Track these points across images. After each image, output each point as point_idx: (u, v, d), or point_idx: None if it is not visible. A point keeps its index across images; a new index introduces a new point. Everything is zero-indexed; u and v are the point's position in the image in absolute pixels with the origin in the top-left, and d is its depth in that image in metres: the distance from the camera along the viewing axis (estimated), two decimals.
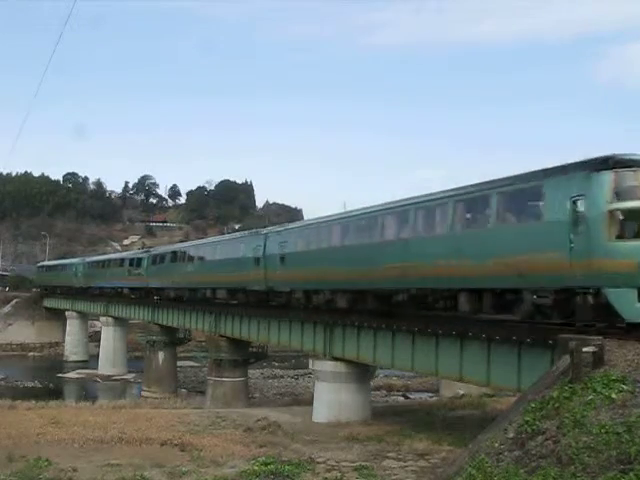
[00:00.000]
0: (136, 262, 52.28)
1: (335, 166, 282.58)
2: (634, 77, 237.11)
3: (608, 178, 14.12)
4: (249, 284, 32.60)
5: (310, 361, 28.92)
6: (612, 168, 14.15)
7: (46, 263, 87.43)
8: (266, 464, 17.27)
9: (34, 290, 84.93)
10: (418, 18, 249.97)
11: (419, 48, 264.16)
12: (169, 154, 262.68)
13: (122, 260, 57.51)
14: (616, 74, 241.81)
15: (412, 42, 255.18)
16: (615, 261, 13.71)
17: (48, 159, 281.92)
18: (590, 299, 14.62)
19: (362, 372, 27.22)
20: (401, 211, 21.42)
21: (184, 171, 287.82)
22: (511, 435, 10.43)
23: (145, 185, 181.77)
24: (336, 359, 26.91)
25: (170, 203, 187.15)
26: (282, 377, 56.57)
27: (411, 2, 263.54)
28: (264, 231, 33.09)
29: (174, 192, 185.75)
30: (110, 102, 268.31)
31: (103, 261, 64.80)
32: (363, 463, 18.21)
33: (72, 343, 71.35)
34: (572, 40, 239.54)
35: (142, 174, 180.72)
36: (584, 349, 11.44)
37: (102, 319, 63.59)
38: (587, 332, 14.03)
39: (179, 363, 53.23)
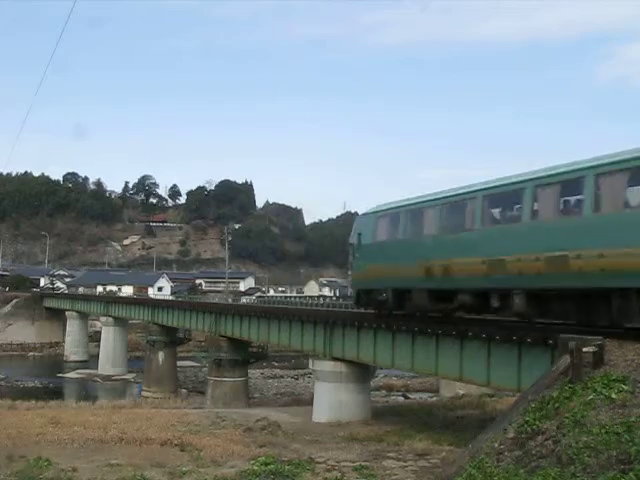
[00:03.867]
0: None
1: (335, 166, 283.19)
2: (637, 77, 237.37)
3: None
4: None
5: (310, 361, 28.93)
6: None
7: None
8: (266, 464, 17.24)
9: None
10: (422, 18, 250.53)
11: (422, 48, 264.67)
12: (169, 154, 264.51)
13: None
14: (619, 74, 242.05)
15: (415, 42, 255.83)
16: None
17: (48, 159, 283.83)
18: None
19: (362, 372, 27.21)
20: None
21: (184, 171, 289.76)
22: (511, 435, 10.41)
23: (145, 185, 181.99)
24: (336, 359, 26.90)
25: (170, 203, 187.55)
26: (282, 377, 56.70)
27: (416, 1, 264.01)
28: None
29: (174, 192, 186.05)
30: (110, 102, 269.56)
31: None
32: (363, 463, 18.19)
33: (72, 343, 71.45)
34: (577, 40, 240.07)
35: (142, 174, 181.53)
36: (584, 349, 11.41)
37: (102, 319, 63.67)
38: (587, 332, 13.97)
39: (179, 363, 53.26)
